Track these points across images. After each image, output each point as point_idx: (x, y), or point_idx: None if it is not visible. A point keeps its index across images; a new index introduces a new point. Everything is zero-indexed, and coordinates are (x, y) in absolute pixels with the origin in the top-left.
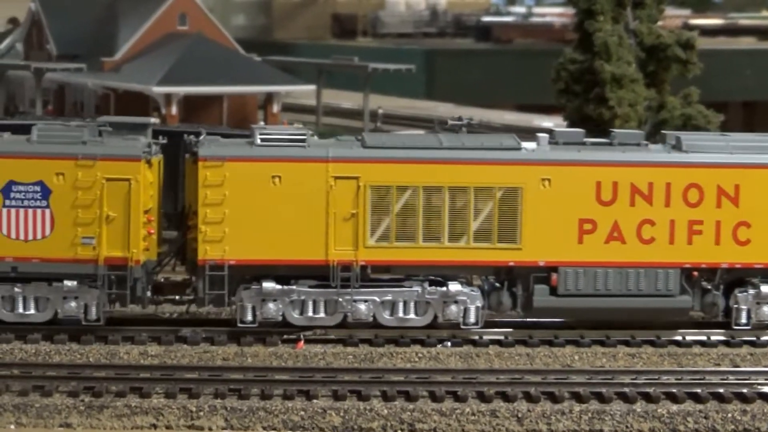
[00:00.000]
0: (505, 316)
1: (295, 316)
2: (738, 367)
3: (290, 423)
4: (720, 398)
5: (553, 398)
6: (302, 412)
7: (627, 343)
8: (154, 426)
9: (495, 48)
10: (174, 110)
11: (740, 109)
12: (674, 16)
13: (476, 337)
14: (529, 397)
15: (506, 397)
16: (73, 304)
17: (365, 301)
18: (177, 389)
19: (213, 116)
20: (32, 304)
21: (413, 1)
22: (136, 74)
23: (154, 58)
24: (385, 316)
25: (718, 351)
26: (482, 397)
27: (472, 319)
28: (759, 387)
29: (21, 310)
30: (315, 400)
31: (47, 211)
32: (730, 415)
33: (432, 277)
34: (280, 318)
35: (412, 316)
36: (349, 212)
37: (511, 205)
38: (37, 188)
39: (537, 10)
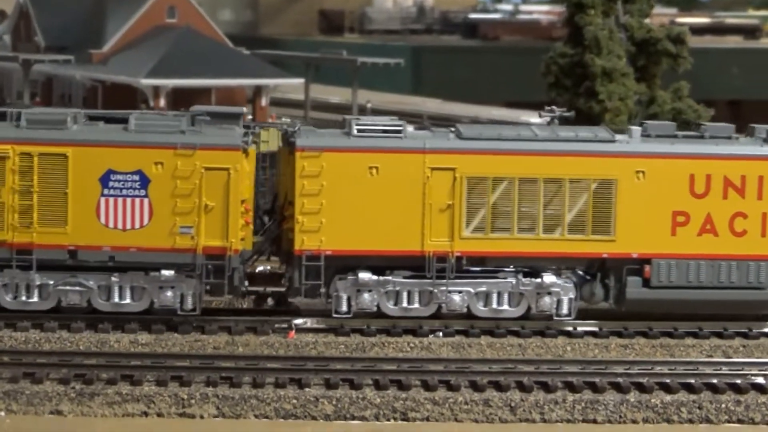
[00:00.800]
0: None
1: (390, 306)
2: (730, 358)
3: (282, 411)
4: (713, 389)
5: (547, 388)
6: (294, 401)
7: (619, 335)
8: (146, 413)
9: (482, 45)
10: (162, 102)
11: (726, 108)
12: (661, 14)
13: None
14: (522, 387)
15: (499, 387)
16: (169, 293)
17: (459, 292)
18: (168, 377)
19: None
20: (128, 294)
21: None
22: (125, 66)
23: (142, 51)
24: (479, 307)
25: (711, 342)
26: (475, 387)
27: (564, 310)
28: (753, 378)
29: (117, 300)
30: (307, 389)
31: (146, 200)
32: (723, 405)
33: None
34: (375, 308)
35: (505, 307)
36: (445, 203)
37: (605, 197)
38: (136, 177)
39: (524, 7)
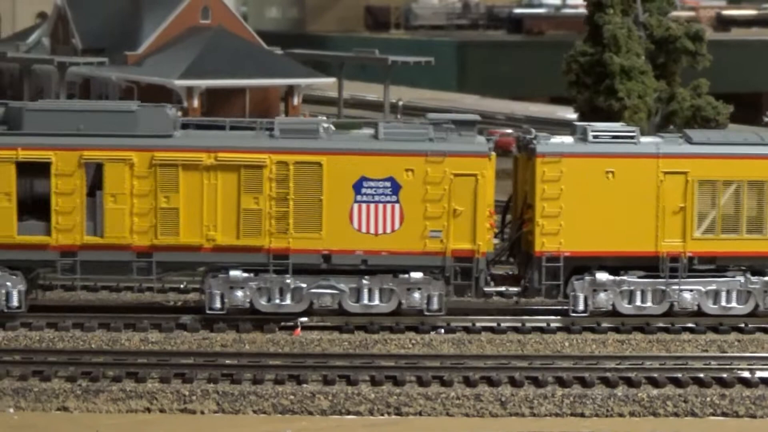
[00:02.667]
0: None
1: (624, 305)
2: (725, 353)
3: (280, 407)
4: (700, 383)
5: (537, 383)
6: (292, 396)
7: (617, 330)
8: (148, 409)
9: (526, 40)
10: (195, 103)
11: None
12: (708, 6)
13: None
14: (513, 382)
15: (491, 382)
16: (416, 295)
17: (690, 290)
18: (171, 374)
19: (236, 108)
20: (377, 296)
21: None
22: (159, 67)
23: (176, 52)
24: (709, 305)
25: (707, 337)
26: (468, 382)
27: None
28: (739, 372)
29: (366, 302)
30: (305, 385)
31: (397, 205)
32: (708, 399)
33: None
34: (610, 307)
35: (734, 304)
36: (677, 206)
37: None
38: (388, 184)
39: (570, 1)
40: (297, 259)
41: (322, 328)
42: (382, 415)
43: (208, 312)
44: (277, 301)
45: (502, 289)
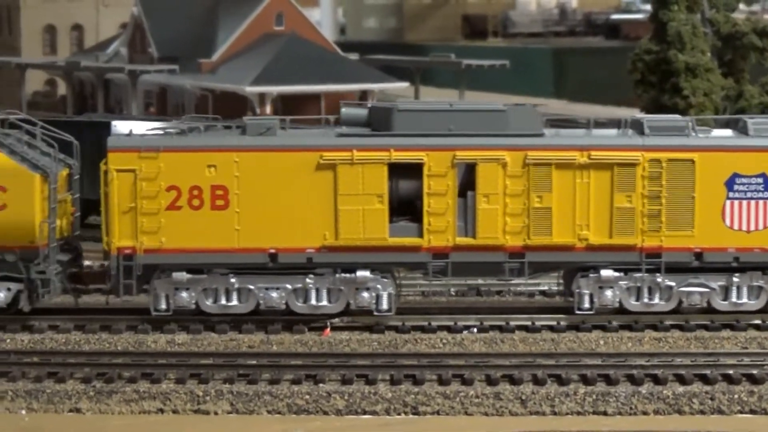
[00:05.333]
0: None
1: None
2: (765, 349)
3: (294, 407)
4: (729, 380)
5: (561, 381)
6: (307, 396)
7: (655, 328)
8: (161, 410)
9: (623, 46)
10: (268, 109)
11: None
12: None
13: (503, 323)
14: (536, 380)
15: (513, 380)
16: None
17: None
18: (187, 375)
19: (311, 114)
20: (745, 293)
21: (544, 0)
22: (231, 75)
23: (249, 59)
24: None
25: (747, 334)
26: (489, 380)
27: None
28: None
29: (734, 299)
30: (321, 384)
31: None
32: (736, 396)
33: None
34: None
35: None
36: None
37: None
38: (760, 180)
39: None
40: (669, 257)
41: (353, 329)
42: (399, 414)
43: (576, 312)
44: (646, 300)
45: None
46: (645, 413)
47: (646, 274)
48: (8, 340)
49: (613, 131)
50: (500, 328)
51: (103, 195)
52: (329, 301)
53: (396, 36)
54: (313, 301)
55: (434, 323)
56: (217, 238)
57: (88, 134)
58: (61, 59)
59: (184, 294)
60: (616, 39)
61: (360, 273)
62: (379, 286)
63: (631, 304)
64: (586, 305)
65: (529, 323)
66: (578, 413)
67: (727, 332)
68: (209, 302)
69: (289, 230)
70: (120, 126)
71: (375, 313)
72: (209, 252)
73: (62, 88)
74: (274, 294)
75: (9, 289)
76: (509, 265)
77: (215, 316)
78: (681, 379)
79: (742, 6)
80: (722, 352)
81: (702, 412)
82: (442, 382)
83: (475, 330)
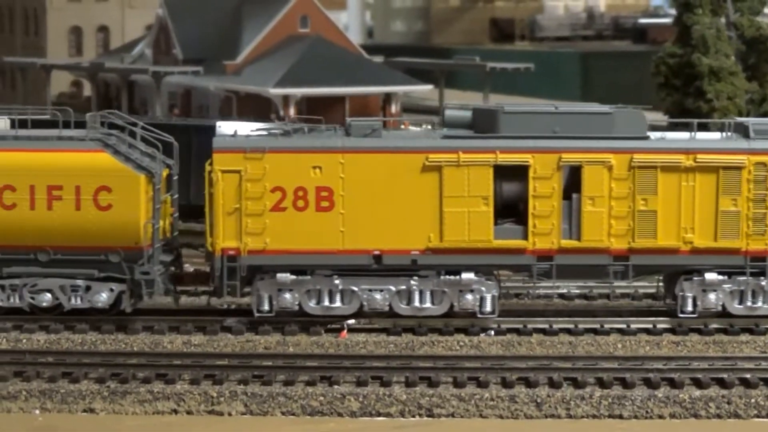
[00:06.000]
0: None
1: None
2: None
3: (309, 408)
4: (746, 384)
5: (576, 384)
6: (321, 398)
7: (673, 332)
8: (175, 411)
9: (650, 50)
10: (292, 111)
11: None
12: None
13: (521, 326)
14: (552, 383)
15: (529, 383)
16: None
17: None
18: (202, 375)
19: (336, 117)
20: None
21: (571, 4)
22: (255, 76)
23: (273, 61)
24: None
25: (766, 339)
26: (504, 383)
27: None
28: None
29: (749, 303)
30: (336, 386)
31: None
32: (753, 400)
33: None
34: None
35: None
36: None
37: None
38: None
39: None
40: None
41: (370, 330)
42: (413, 416)
43: (680, 315)
44: (749, 303)
45: None
46: (661, 417)
47: (750, 278)
48: (24, 340)
49: (717, 135)
50: (518, 331)
51: (207, 196)
52: (432, 303)
53: (423, 39)
54: (417, 303)
55: (451, 326)
56: (322, 240)
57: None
58: (86, 60)
59: (287, 295)
60: (643, 43)
61: (465, 275)
62: (483, 288)
63: (735, 307)
64: (689, 308)
65: (547, 326)
66: (594, 416)
67: (746, 336)
68: (312, 303)
69: (394, 232)
70: (225, 127)
71: (478, 316)
72: (313, 253)
73: (88, 90)
74: (378, 296)
75: (112, 290)
76: (614, 268)
77: (318, 317)
78: (698, 383)
79: (766, 10)
80: (740, 356)
81: (718, 416)
82: (457, 384)
83: (493, 333)
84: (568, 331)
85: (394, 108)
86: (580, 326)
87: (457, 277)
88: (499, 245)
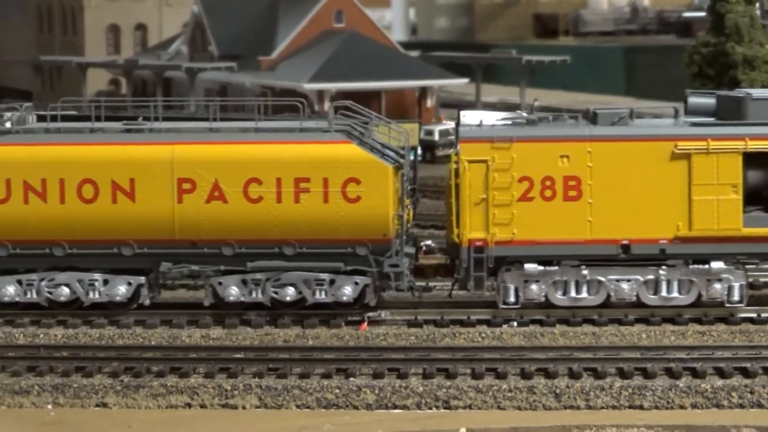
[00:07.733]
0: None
1: None
2: None
3: (324, 401)
4: None
5: (597, 374)
6: (337, 390)
7: (699, 321)
8: (189, 405)
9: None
10: (327, 106)
11: None
12: None
13: (544, 317)
14: (571, 374)
15: (548, 374)
16: None
17: None
18: (216, 369)
19: (373, 111)
20: None
21: None
22: (290, 72)
23: (308, 56)
24: None
25: None
26: (523, 374)
27: None
28: None
29: None
30: (352, 378)
31: None
32: None
33: None
34: None
35: None
36: None
37: None
38: None
39: None
40: None
41: (391, 323)
42: (430, 408)
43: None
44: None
45: None
46: (682, 407)
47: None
48: (41, 335)
49: None
50: (540, 322)
51: (453, 186)
52: (680, 293)
53: (467, 36)
54: (665, 293)
55: (473, 317)
56: (569, 230)
57: None
58: (121, 58)
59: (534, 287)
60: (688, 37)
61: (714, 264)
62: (731, 277)
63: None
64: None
65: (569, 316)
66: (613, 407)
67: None
68: (559, 295)
69: (642, 221)
70: (469, 116)
71: (726, 305)
72: (560, 244)
73: (125, 88)
74: (625, 286)
75: (356, 284)
76: None
77: (563, 308)
78: (720, 373)
79: None
80: (765, 344)
81: (741, 406)
82: (475, 375)
83: (516, 324)
84: (592, 322)
85: (429, 102)
86: (604, 317)
87: (707, 266)
88: (749, 233)
